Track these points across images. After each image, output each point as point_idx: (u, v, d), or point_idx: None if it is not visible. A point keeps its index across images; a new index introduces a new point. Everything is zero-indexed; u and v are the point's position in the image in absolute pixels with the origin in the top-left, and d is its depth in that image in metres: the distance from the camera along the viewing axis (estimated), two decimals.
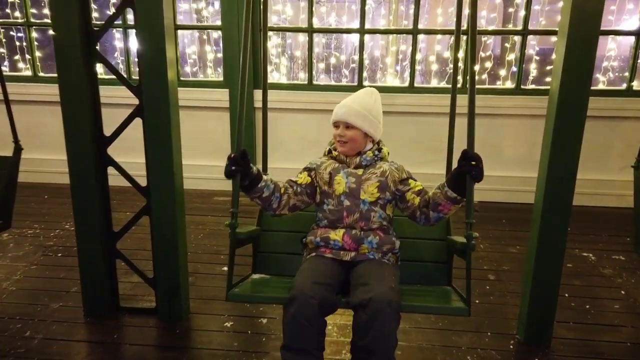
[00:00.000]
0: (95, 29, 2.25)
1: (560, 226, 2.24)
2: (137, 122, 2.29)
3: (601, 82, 4.48)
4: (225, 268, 3.25)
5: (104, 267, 2.48)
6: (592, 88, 2.09)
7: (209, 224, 3.89)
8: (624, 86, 4.33)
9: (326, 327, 1.60)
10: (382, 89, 4.55)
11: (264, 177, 1.81)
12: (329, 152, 1.98)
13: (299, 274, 1.69)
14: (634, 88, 4.29)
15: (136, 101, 2.28)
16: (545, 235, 2.25)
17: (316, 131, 4.59)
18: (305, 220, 2.01)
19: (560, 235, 2.25)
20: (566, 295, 2.80)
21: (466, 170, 1.59)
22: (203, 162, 4.77)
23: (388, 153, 1.97)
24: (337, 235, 1.81)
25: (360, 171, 1.87)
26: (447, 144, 2.18)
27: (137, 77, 2.26)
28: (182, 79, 4.68)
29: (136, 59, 2.86)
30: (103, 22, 2.25)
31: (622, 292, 2.88)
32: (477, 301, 2.75)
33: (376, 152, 1.91)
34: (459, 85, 4.47)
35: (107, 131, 2.33)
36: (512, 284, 2.96)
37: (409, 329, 2.44)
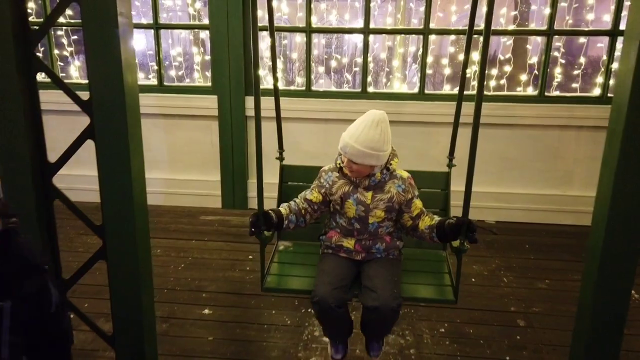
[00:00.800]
0: (34, 27, 1.78)
1: (627, 265, 1.79)
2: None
3: None
4: (207, 311, 2.80)
5: None
6: None
7: (192, 251, 3.41)
8: None
9: (348, 310, 1.97)
10: (389, 96, 4.09)
11: (284, 212, 1.96)
12: (340, 169, 2.01)
13: (319, 275, 1.95)
14: None
15: None
16: (607, 276, 1.82)
17: (315, 142, 4.12)
18: None
19: (628, 277, 1.81)
20: None
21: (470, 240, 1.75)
22: (189, 176, 4.30)
23: (397, 162, 2.00)
24: (349, 243, 2.02)
25: (369, 195, 1.96)
26: (448, 153, 2.48)
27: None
28: (165, 84, 4.20)
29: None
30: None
31: None
32: (507, 358, 2.29)
33: (384, 172, 1.96)
34: (473, 92, 4.02)
35: (61, 146, 1.86)
36: (547, 332, 2.49)
37: None
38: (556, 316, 2.62)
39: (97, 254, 1.96)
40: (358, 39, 4.18)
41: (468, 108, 4.27)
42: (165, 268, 3.14)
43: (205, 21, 4.11)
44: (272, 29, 2.27)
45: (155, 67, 4.13)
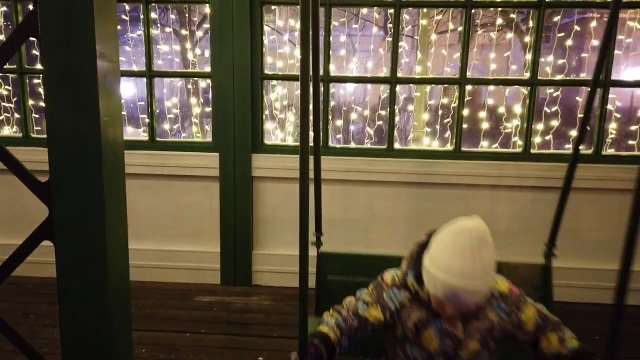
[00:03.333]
0: None
1: None
2: None
3: None
4: None
5: None
6: None
7: (186, 350, 2.70)
8: None
9: None
10: (418, 154, 3.51)
11: (333, 338, 1.38)
12: (416, 294, 1.44)
13: None
14: None
15: None
16: None
17: (332, 207, 3.51)
18: None
19: None
20: None
21: None
22: (183, 247, 3.63)
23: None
24: None
25: (458, 327, 1.41)
26: (548, 240, 2.17)
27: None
28: (158, 139, 3.62)
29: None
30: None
31: None
32: None
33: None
34: (518, 150, 3.48)
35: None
36: None
37: None
38: None
39: None
40: (380, 89, 3.68)
41: (510, 169, 3.68)
42: None
43: (205, 69, 3.60)
44: (316, 70, 1.78)
45: (147, 120, 3.56)
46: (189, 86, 4.02)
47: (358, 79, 3.53)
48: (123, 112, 4.43)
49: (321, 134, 2.09)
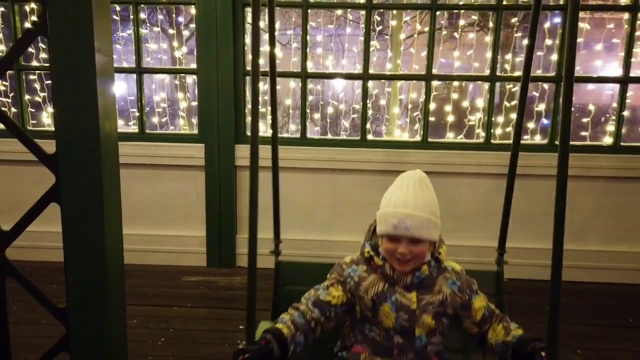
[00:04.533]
0: None
1: None
2: None
3: None
4: None
5: None
6: None
7: (174, 321, 2.97)
8: None
9: None
10: (390, 144, 3.83)
11: (287, 333, 1.36)
12: (370, 259, 1.48)
13: None
14: None
15: None
16: None
17: (309, 194, 3.80)
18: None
19: None
20: None
21: None
22: (171, 231, 3.89)
23: (445, 249, 1.50)
24: None
25: (412, 297, 1.43)
26: (498, 246, 2.07)
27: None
28: (147, 131, 3.88)
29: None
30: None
31: None
32: None
33: (432, 264, 1.45)
34: (481, 141, 3.78)
35: (29, 202, 1.48)
36: None
37: None
38: None
39: (57, 345, 1.55)
40: (355, 85, 3.97)
41: (474, 157, 3.95)
42: (142, 344, 2.70)
43: (191, 65, 3.85)
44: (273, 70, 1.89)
45: (137, 114, 3.81)
46: (176, 82, 4.27)
47: (333, 75, 3.82)
48: (116, 108, 4.68)
49: (277, 127, 1.96)
